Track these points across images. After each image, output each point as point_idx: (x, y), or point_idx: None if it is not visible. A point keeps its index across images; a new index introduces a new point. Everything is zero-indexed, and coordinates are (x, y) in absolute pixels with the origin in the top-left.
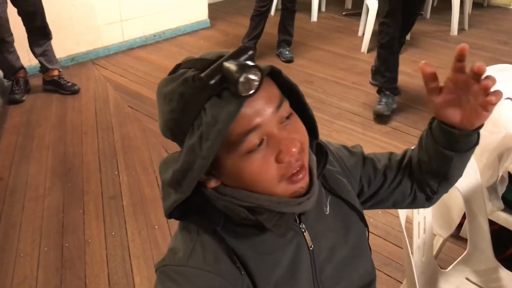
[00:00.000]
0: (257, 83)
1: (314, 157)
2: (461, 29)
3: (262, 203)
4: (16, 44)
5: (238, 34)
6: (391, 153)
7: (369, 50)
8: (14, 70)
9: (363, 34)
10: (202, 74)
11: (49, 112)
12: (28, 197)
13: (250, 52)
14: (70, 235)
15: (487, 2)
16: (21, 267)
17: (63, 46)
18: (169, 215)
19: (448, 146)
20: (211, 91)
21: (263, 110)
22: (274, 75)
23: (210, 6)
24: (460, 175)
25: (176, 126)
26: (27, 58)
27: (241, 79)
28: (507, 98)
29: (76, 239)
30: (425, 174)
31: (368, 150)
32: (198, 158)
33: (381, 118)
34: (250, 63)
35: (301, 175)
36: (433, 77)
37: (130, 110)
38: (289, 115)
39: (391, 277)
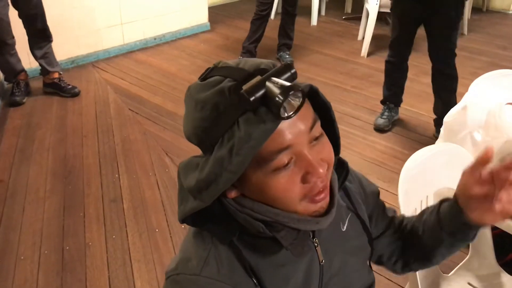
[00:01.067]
0: (298, 105)
1: (335, 176)
2: (460, 33)
3: (280, 219)
4: (16, 47)
5: (238, 37)
6: (395, 211)
7: (369, 54)
8: (15, 72)
9: (363, 38)
10: (243, 89)
11: (49, 114)
12: (28, 200)
13: (293, 71)
14: (71, 238)
15: (486, 7)
16: (22, 270)
17: (64, 48)
18: (183, 220)
19: (446, 229)
20: (249, 106)
21: (298, 130)
22: (310, 93)
23: (210, 9)
24: (437, 263)
25: (205, 135)
26: (27, 60)
27: (285, 103)
28: (509, 104)
29: (77, 242)
30: (411, 244)
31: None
32: (226, 171)
33: (380, 131)
34: (294, 85)
35: (323, 195)
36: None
37: (130, 113)
38: (320, 135)
39: (392, 281)
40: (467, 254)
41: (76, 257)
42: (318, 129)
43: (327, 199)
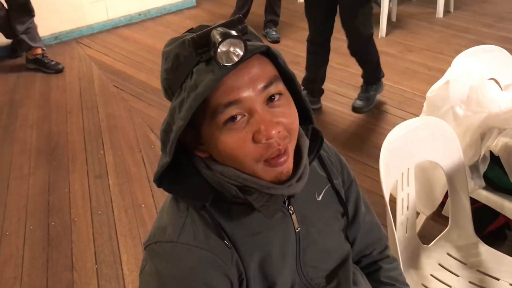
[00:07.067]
0: (239, 56)
1: (307, 141)
2: (446, 11)
3: (249, 184)
4: None
5: (224, 14)
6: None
7: None
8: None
9: None
10: (190, 37)
11: (32, 91)
12: (12, 176)
13: (242, 25)
14: (56, 214)
15: None
16: (7, 245)
17: (47, 24)
18: (159, 183)
19: None
20: (200, 56)
21: (248, 86)
22: (272, 56)
23: None
24: None
25: (168, 86)
26: None
27: (221, 47)
28: (491, 79)
29: (62, 218)
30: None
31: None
32: (177, 119)
33: None
34: (235, 33)
35: (281, 160)
36: None
37: (115, 89)
38: (279, 95)
39: None
40: (447, 226)
41: (61, 233)
42: (277, 88)
43: (289, 164)
